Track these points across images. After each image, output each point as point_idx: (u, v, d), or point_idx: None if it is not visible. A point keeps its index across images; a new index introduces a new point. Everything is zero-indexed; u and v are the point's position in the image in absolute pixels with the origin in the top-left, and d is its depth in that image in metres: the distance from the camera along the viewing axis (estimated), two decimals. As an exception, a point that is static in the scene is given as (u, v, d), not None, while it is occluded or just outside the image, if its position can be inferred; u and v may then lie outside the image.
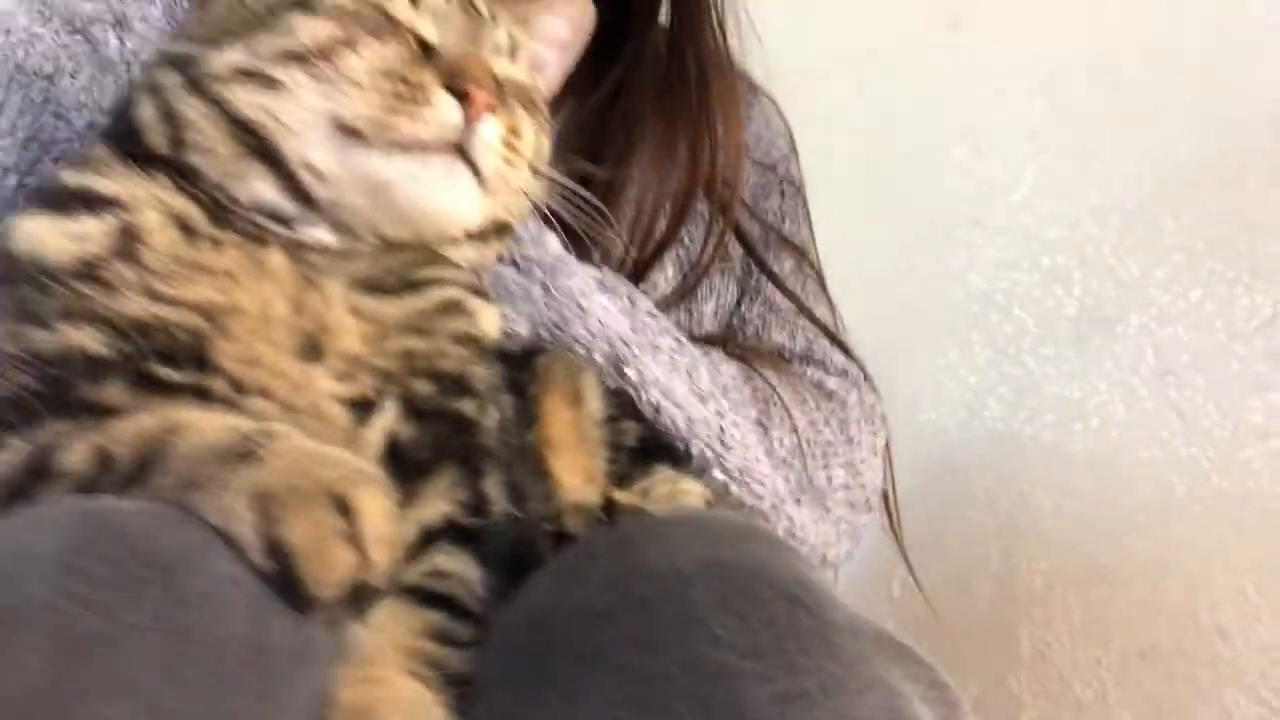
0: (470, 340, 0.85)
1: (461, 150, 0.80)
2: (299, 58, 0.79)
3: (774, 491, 1.07)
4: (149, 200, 0.79)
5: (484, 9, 0.90)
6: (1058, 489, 1.79)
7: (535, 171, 0.89)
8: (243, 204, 0.81)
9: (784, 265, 1.27)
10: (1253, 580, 1.64)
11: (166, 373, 0.74)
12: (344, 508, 0.61)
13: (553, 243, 1.02)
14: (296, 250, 0.81)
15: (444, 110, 0.79)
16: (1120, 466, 1.74)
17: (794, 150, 1.39)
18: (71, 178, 0.82)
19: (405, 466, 0.77)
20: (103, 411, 0.71)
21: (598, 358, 1.00)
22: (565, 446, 0.93)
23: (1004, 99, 1.87)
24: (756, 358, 1.17)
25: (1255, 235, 1.68)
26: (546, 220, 0.94)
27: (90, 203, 0.79)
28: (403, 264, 0.85)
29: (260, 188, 0.81)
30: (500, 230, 0.92)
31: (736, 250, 1.25)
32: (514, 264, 1.00)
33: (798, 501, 1.11)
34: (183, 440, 0.66)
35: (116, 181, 0.80)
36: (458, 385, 0.83)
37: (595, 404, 0.98)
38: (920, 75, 1.92)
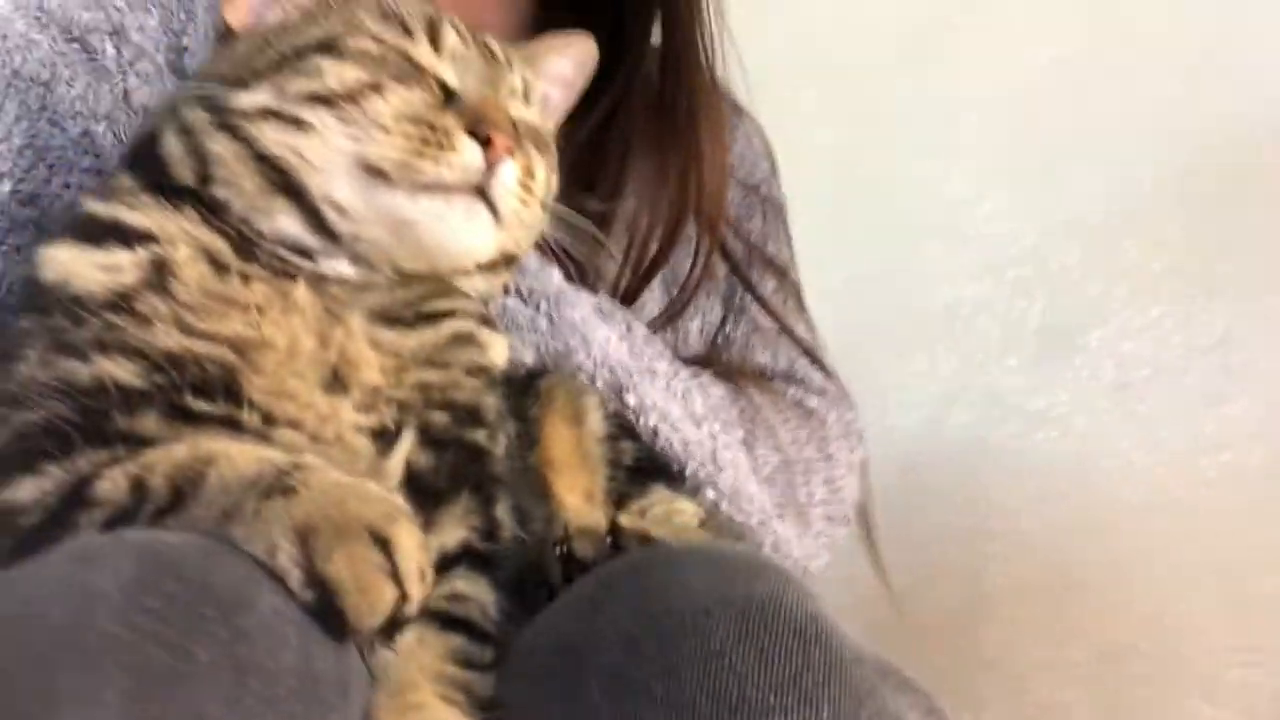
0: (481, 371, 0.89)
1: (481, 191, 0.84)
2: (326, 100, 0.82)
3: (761, 509, 1.12)
4: (179, 234, 0.82)
5: (500, 53, 0.93)
6: (1020, 496, 1.84)
7: (544, 207, 0.92)
8: (267, 237, 0.83)
9: (767, 285, 1.31)
10: (1207, 586, 1.71)
11: (199, 405, 0.76)
12: (383, 542, 0.64)
13: (555, 275, 1.06)
14: (319, 283, 0.83)
15: (467, 155, 0.82)
16: (1080, 475, 1.80)
17: (775, 171, 1.42)
18: (100, 208, 0.84)
19: (423, 494, 0.80)
20: (137, 441, 0.73)
21: (599, 385, 1.04)
22: (567, 466, 0.96)
23: (972, 115, 1.91)
24: (742, 378, 1.21)
25: (1211, 255, 1.74)
26: (548, 249, 0.97)
27: (121, 235, 0.81)
28: (416, 296, 0.88)
29: (285, 222, 0.83)
30: (509, 261, 0.95)
31: (721, 269, 1.29)
32: (520, 295, 1.04)
33: (781, 517, 1.15)
34: (216, 471, 0.69)
35: (146, 214, 0.82)
36: (471, 416, 0.86)
37: (597, 422, 1.01)
38: (891, 90, 1.95)
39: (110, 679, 0.54)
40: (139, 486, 0.69)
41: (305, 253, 0.84)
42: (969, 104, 1.91)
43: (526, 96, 0.95)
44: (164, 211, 0.83)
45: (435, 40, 0.89)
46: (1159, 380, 1.76)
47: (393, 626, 0.67)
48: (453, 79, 0.88)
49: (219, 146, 0.83)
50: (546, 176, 0.93)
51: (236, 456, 0.70)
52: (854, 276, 1.94)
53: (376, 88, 0.83)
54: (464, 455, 0.84)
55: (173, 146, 0.85)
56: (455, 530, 0.81)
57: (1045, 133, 1.87)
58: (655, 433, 1.05)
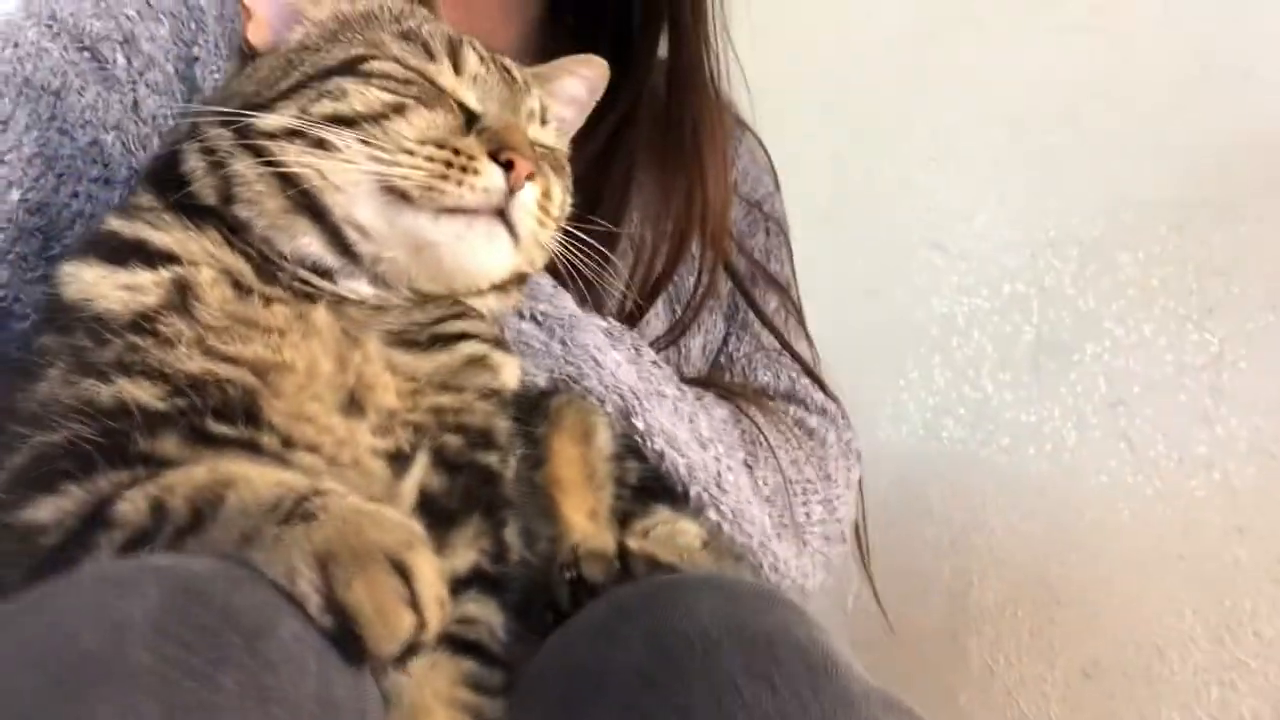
0: (494, 394, 0.89)
1: (502, 214, 0.85)
2: (349, 122, 0.83)
3: (762, 530, 1.13)
4: (202, 255, 0.82)
5: (519, 76, 0.93)
6: (1010, 510, 1.85)
7: (558, 226, 0.93)
8: (288, 258, 0.84)
9: (769, 303, 1.32)
10: (1190, 605, 1.72)
11: (220, 428, 0.76)
12: (401, 570, 0.64)
13: (568, 300, 1.07)
14: (337, 306, 0.84)
15: (490, 178, 0.83)
16: (1070, 490, 1.81)
17: (778, 187, 1.43)
18: (123, 226, 0.84)
19: (435, 517, 0.80)
20: (158, 463, 0.73)
21: (608, 408, 1.05)
22: (573, 486, 0.97)
23: (968, 130, 1.92)
24: (743, 398, 1.22)
25: (1205, 276, 1.75)
26: (557, 267, 0.98)
27: (144, 254, 0.81)
28: (430, 318, 0.89)
29: (306, 242, 0.84)
30: (520, 280, 0.96)
31: (724, 286, 1.30)
32: (535, 320, 1.04)
33: (779, 537, 1.16)
34: (236, 494, 0.69)
35: (169, 234, 0.83)
36: (484, 439, 0.87)
37: (605, 441, 1.03)
38: (886, 105, 1.97)
39: (142, 708, 0.54)
40: (159, 508, 0.69)
41: (325, 274, 0.85)
42: (965, 119, 1.92)
43: (543, 119, 0.97)
44: (187, 232, 0.83)
45: (456, 63, 0.90)
46: (1150, 397, 1.77)
47: (408, 653, 0.67)
48: (474, 102, 0.89)
49: (242, 166, 0.84)
50: (562, 198, 0.94)
51: (255, 480, 0.70)
52: (849, 289, 1.95)
53: (400, 110, 0.84)
54: (476, 478, 0.85)
55: (195, 166, 0.85)
56: (466, 553, 0.81)
57: (1040, 149, 1.88)
58: (661, 456, 1.06)
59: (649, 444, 1.05)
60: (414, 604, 0.64)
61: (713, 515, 1.08)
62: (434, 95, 0.87)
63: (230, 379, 0.77)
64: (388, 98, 0.84)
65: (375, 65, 0.86)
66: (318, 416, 0.79)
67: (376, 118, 0.83)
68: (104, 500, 0.71)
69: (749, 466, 1.15)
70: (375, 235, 0.84)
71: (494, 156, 0.84)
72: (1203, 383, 1.75)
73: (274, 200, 0.83)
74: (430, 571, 0.66)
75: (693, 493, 1.07)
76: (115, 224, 0.84)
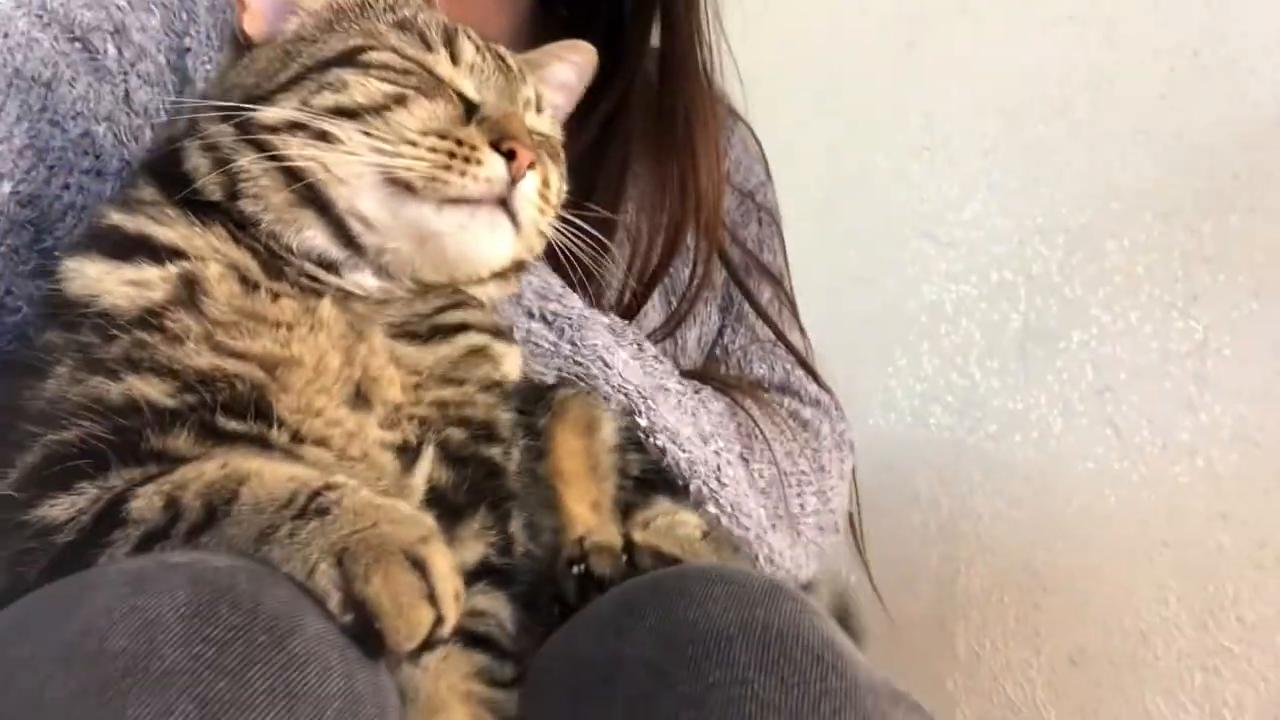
0: (495, 385, 0.89)
1: (504, 203, 0.85)
2: (351, 113, 0.83)
3: (758, 523, 1.13)
4: (208, 250, 0.82)
5: (514, 64, 0.93)
6: (997, 496, 1.87)
7: (556, 213, 0.93)
8: (294, 252, 0.84)
9: (763, 294, 1.32)
10: (1175, 591, 1.73)
11: (230, 424, 0.76)
12: (418, 564, 0.65)
13: (576, 300, 1.08)
14: (343, 300, 0.84)
15: (493, 168, 0.83)
16: (1057, 477, 1.83)
17: (769, 177, 1.43)
18: (126, 222, 0.83)
19: (443, 510, 0.80)
20: (170, 460, 0.73)
21: (613, 406, 1.05)
22: (576, 478, 0.97)
23: (957, 119, 1.93)
24: (739, 391, 1.23)
25: (1190, 264, 1.76)
26: (556, 256, 0.98)
27: (150, 250, 0.81)
28: (431, 309, 0.89)
29: (311, 234, 0.84)
30: (519, 268, 0.96)
31: (719, 277, 1.30)
32: (544, 319, 1.04)
33: (774, 528, 1.17)
34: (249, 490, 0.69)
35: (174, 229, 0.82)
36: (487, 432, 0.87)
37: (610, 433, 1.03)
38: (876, 94, 1.98)
39: (177, 707, 0.55)
40: (173, 505, 0.69)
41: (330, 267, 0.85)
42: (954, 109, 1.93)
43: (539, 107, 0.96)
44: (192, 227, 0.83)
45: (453, 52, 0.90)
46: (1136, 384, 1.78)
47: (425, 647, 0.68)
48: (472, 91, 0.89)
49: (246, 161, 0.83)
50: (559, 185, 0.94)
51: (268, 475, 0.70)
52: (838, 277, 1.96)
53: (401, 101, 0.84)
54: (481, 471, 0.85)
55: (198, 164, 0.85)
56: (474, 546, 0.82)
57: (1028, 138, 1.89)
58: (663, 452, 1.07)
59: (651, 440, 1.06)
60: (432, 598, 0.65)
61: (711, 509, 1.09)
62: (433, 85, 0.86)
63: (239, 374, 0.77)
64: (388, 89, 0.84)
65: (374, 56, 0.86)
66: (326, 410, 0.79)
67: (378, 109, 0.83)
68: (118, 498, 0.71)
69: (745, 460, 1.15)
70: (379, 227, 0.84)
71: (495, 146, 0.84)
72: (1187, 370, 1.76)
73: (279, 194, 0.83)
74: (446, 565, 0.66)
75: (692, 487, 1.08)
76: (117, 218, 0.84)
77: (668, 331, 1.24)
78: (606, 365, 1.06)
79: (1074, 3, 1.85)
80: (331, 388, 0.80)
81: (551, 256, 0.99)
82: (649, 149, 1.27)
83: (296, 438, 0.78)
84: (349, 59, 0.86)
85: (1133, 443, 1.79)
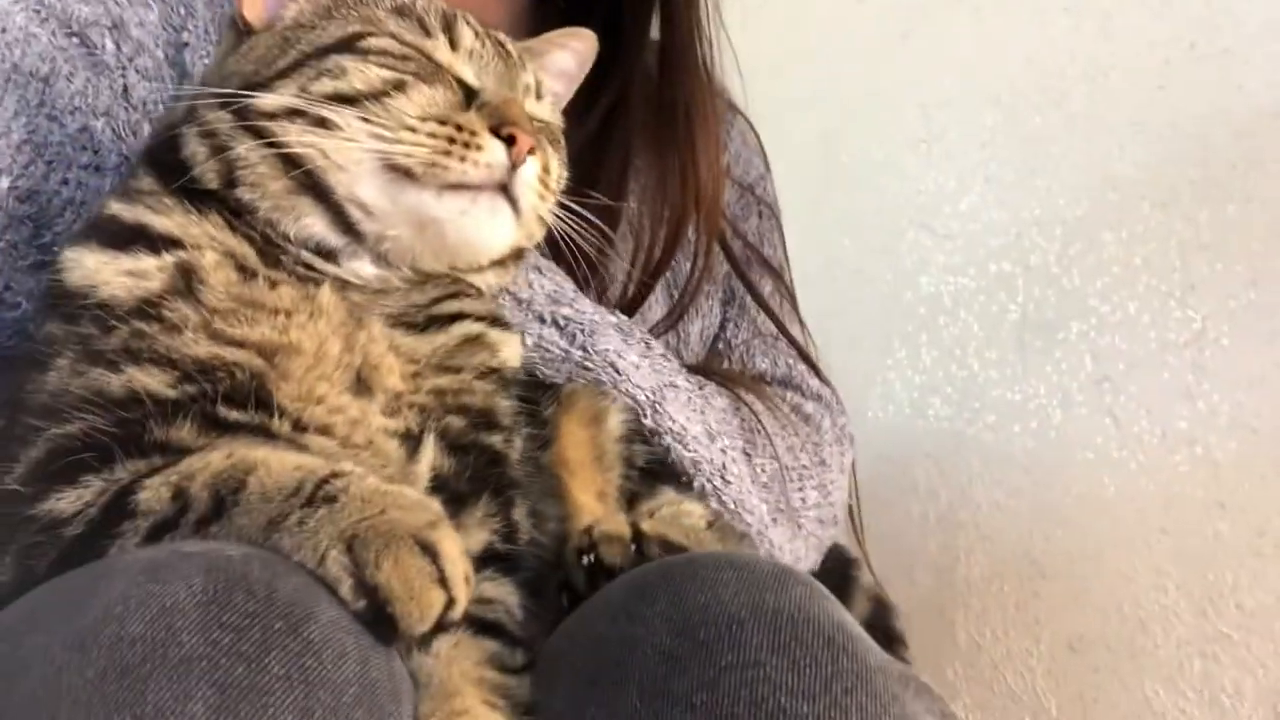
0: (493, 373, 0.89)
1: (505, 189, 0.85)
2: (350, 99, 0.82)
3: (760, 518, 1.14)
4: (205, 239, 0.81)
5: (513, 50, 0.93)
6: (996, 486, 1.87)
7: (556, 200, 0.93)
8: (292, 240, 0.84)
9: (764, 287, 1.32)
10: (1174, 579, 1.74)
11: (231, 414, 0.76)
12: (428, 549, 0.65)
13: (587, 303, 1.08)
14: (342, 288, 0.84)
15: (494, 154, 0.83)
16: (1055, 467, 1.83)
17: (768, 169, 1.44)
18: (124, 211, 0.83)
19: (447, 498, 0.80)
20: (175, 451, 0.73)
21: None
22: (581, 466, 0.98)
23: (954, 110, 1.93)
24: (741, 385, 1.23)
25: (1188, 253, 1.77)
26: (562, 251, 0.98)
27: (147, 240, 0.81)
28: (428, 298, 0.89)
29: (309, 222, 0.84)
30: (518, 255, 0.96)
31: (721, 269, 1.30)
32: (556, 324, 1.04)
33: (775, 523, 1.18)
34: (256, 479, 0.69)
35: (171, 218, 0.82)
36: (485, 419, 0.87)
37: (617, 424, 1.04)
38: (874, 84, 1.98)
39: (196, 692, 0.56)
40: (180, 496, 0.69)
41: (329, 256, 0.85)
42: (951, 99, 1.93)
43: (538, 93, 0.96)
44: (189, 216, 0.82)
45: (452, 38, 0.90)
46: (1134, 374, 1.79)
47: (436, 631, 0.68)
48: (471, 77, 0.88)
49: (244, 149, 0.83)
50: (559, 171, 0.94)
51: (274, 464, 0.70)
52: (836, 268, 1.97)
53: (400, 87, 0.83)
54: (483, 459, 0.85)
55: (196, 150, 0.85)
56: (478, 533, 0.82)
57: (1026, 128, 1.89)
58: (668, 451, 1.08)
59: (661, 440, 1.07)
60: (442, 581, 0.65)
61: (715, 505, 1.10)
62: (432, 71, 0.86)
63: (238, 362, 0.77)
64: (387, 75, 0.84)
65: (373, 42, 0.86)
66: (328, 397, 0.79)
67: (377, 95, 0.82)
68: (125, 490, 0.71)
69: (748, 455, 1.16)
70: (379, 213, 0.83)
71: (495, 132, 0.83)
72: (1185, 359, 1.76)
73: (277, 181, 0.83)
74: (455, 549, 0.67)
75: (696, 484, 1.09)
76: (115, 208, 0.84)
77: (671, 324, 1.24)
78: (616, 371, 1.06)
79: (1070, -6, 1.85)
80: (332, 375, 0.80)
81: (557, 251, 0.99)
82: (650, 142, 1.27)
83: (299, 426, 0.78)
84: (348, 45, 0.85)
85: (1131, 432, 1.79)
